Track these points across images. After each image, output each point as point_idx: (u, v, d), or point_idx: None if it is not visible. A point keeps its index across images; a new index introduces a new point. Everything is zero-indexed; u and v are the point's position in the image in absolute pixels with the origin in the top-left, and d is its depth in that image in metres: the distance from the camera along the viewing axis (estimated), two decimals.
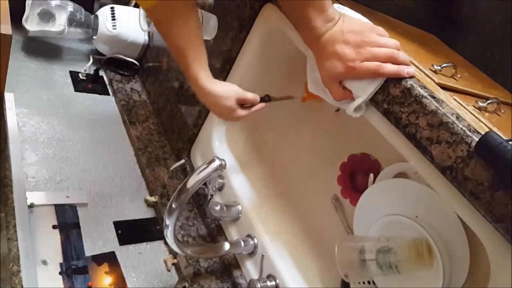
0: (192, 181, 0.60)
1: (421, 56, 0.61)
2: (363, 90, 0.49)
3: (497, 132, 0.40)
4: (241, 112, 0.66)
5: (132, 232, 0.80)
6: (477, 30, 0.82)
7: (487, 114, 0.53)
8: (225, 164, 0.62)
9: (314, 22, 0.50)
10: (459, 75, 0.60)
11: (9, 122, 0.86)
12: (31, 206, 0.74)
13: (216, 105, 0.64)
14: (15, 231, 0.67)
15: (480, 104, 0.54)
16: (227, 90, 0.64)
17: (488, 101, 0.54)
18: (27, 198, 0.74)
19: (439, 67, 0.56)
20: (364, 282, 0.61)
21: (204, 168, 0.61)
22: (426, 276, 0.53)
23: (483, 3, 0.81)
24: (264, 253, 0.68)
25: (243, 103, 0.66)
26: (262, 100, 0.68)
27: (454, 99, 0.52)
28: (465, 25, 0.84)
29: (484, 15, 0.81)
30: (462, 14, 0.86)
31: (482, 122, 0.49)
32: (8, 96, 0.92)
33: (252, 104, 0.67)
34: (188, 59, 0.61)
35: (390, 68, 0.47)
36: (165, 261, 0.77)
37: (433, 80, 0.53)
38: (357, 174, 0.72)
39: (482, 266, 0.50)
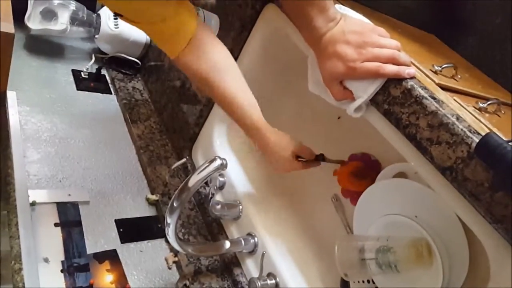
0: (193, 180, 0.60)
1: (421, 57, 0.61)
2: (364, 91, 0.50)
3: (497, 133, 0.41)
4: (296, 165, 0.65)
5: (133, 230, 0.81)
6: (478, 31, 0.82)
7: (487, 115, 0.54)
8: (226, 164, 0.62)
9: (315, 22, 0.50)
10: (459, 76, 0.60)
11: (11, 120, 0.87)
12: (33, 204, 0.75)
13: (274, 155, 0.63)
14: (17, 229, 0.67)
15: (481, 105, 0.54)
16: (286, 141, 0.63)
17: (489, 102, 0.55)
18: (29, 196, 0.74)
19: (439, 68, 0.57)
20: (363, 281, 0.61)
21: (205, 168, 0.61)
22: (425, 276, 0.54)
23: (484, 4, 0.82)
24: (264, 252, 0.69)
25: (298, 156, 0.65)
26: (317, 158, 0.67)
27: (454, 99, 0.52)
28: (466, 26, 0.84)
29: (485, 15, 0.81)
30: (463, 14, 0.86)
31: (483, 123, 0.49)
32: (11, 94, 0.93)
33: (307, 159, 0.66)
34: (242, 108, 0.60)
35: (390, 68, 0.48)
36: (166, 259, 0.77)
37: (434, 81, 0.53)
38: None
39: (482, 266, 0.51)
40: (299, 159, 0.65)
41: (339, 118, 0.78)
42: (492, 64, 0.78)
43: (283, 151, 0.63)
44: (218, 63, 0.59)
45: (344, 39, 0.49)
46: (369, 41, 0.49)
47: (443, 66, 0.57)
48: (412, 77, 0.48)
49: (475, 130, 0.42)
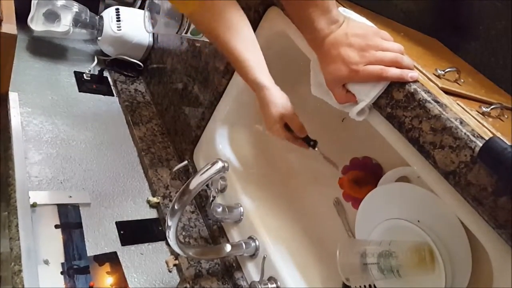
0: (195, 183, 0.60)
1: (424, 61, 0.61)
2: (366, 94, 0.49)
3: (501, 138, 0.40)
4: (280, 130, 0.62)
5: (134, 232, 0.80)
6: (481, 35, 0.82)
7: (490, 119, 0.53)
8: (228, 166, 0.62)
9: (317, 23, 0.50)
10: (462, 80, 0.60)
11: (13, 121, 0.87)
12: (34, 205, 0.75)
13: (265, 110, 0.62)
14: (17, 230, 0.67)
15: (484, 109, 0.54)
16: (280, 100, 0.61)
17: (492, 106, 0.54)
18: (29, 198, 0.74)
19: (442, 72, 0.56)
20: (365, 286, 0.61)
21: (207, 170, 0.61)
22: (428, 281, 0.53)
23: (486, 8, 0.81)
24: (265, 255, 0.68)
25: (287, 123, 0.62)
26: (307, 140, 0.64)
27: (458, 103, 0.52)
28: (469, 30, 0.84)
29: (488, 20, 0.81)
30: (466, 19, 0.86)
31: (486, 127, 0.49)
32: (13, 96, 0.93)
33: (295, 131, 0.63)
34: (247, 65, 0.60)
35: (393, 72, 0.47)
36: (166, 262, 0.77)
37: (437, 85, 0.53)
38: None
39: (484, 272, 0.50)
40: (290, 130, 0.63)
41: (343, 120, 0.78)
42: (495, 68, 0.78)
43: (273, 108, 0.61)
44: (228, 22, 0.59)
45: (347, 42, 0.49)
46: (372, 44, 0.49)
47: (446, 70, 0.57)
48: (415, 81, 0.48)
49: (479, 134, 0.42)
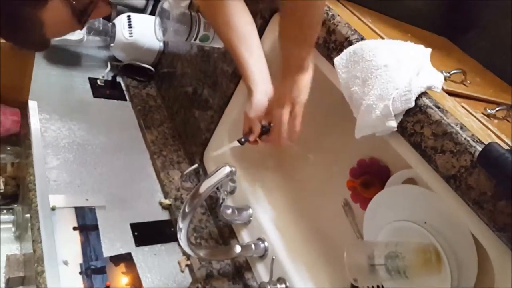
0: (204, 187, 0.62)
1: (432, 62, 0.61)
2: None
3: (504, 140, 0.41)
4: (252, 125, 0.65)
5: (147, 233, 0.83)
6: (491, 34, 0.81)
7: (496, 121, 0.53)
8: (235, 170, 0.64)
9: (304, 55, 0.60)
10: (469, 81, 0.60)
11: (33, 129, 0.90)
12: (53, 208, 0.78)
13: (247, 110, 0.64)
14: (39, 233, 0.71)
15: (489, 111, 0.54)
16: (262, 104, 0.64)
17: (497, 108, 0.54)
18: (49, 201, 0.77)
19: (447, 74, 0.56)
20: (373, 287, 0.61)
21: (215, 175, 0.63)
22: (434, 282, 0.54)
23: (496, 7, 0.80)
24: (274, 257, 0.70)
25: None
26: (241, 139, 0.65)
27: (462, 106, 0.52)
28: (479, 29, 0.83)
29: (497, 18, 0.80)
30: (476, 17, 0.84)
31: (490, 130, 0.49)
32: (32, 104, 0.96)
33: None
34: (241, 57, 0.62)
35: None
36: (179, 263, 0.79)
37: (442, 87, 0.53)
38: None
39: (490, 273, 0.50)
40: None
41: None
42: (505, 67, 0.77)
43: (251, 110, 0.63)
44: (240, 31, 0.63)
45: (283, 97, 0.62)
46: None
47: (452, 72, 0.57)
48: None
49: (478, 139, 0.42)
